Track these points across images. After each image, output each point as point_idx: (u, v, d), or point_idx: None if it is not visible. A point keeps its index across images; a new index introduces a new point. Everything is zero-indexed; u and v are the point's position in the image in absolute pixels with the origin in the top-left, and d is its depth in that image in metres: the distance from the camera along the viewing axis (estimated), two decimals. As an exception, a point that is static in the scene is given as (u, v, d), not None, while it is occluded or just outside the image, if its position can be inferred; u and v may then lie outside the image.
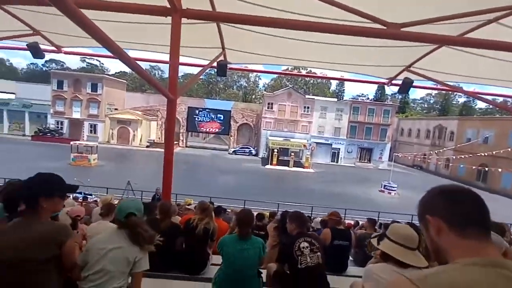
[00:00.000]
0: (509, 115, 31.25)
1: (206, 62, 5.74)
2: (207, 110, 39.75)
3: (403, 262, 1.46)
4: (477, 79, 6.49)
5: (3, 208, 1.67)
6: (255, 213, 6.15)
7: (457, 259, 0.68)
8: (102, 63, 65.33)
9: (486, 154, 27.28)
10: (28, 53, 5.57)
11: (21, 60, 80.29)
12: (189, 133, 42.33)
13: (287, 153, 34.02)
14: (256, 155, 38.54)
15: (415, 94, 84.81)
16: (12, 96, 43.21)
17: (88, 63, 64.60)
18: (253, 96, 69.83)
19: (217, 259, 2.70)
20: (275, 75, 64.74)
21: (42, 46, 5.65)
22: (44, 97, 39.11)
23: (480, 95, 6.86)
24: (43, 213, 1.48)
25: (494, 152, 26.31)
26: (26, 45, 5.42)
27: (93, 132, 37.67)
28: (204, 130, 40.78)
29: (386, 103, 44.84)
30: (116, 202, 3.86)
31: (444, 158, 35.49)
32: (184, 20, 3.17)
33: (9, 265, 1.33)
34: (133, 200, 1.87)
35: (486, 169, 30.13)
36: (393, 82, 6.40)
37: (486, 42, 3.27)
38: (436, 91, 66.56)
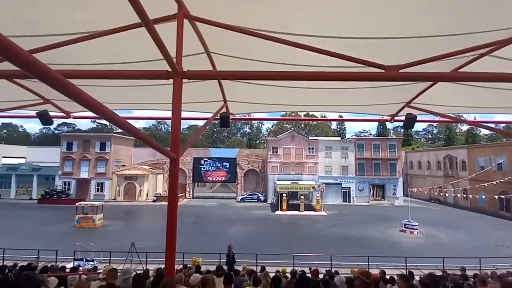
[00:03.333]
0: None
1: (209, 115, 5.87)
2: (212, 159, 40.05)
3: None
4: (476, 108, 6.51)
5: None
6: (271, 273, 5.55)
7: None
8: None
9: (503, 180, 26.11)
10: (42, 118, 5.78)
11: (34, 125, 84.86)
12: (196, 183, 41.98)
13: (297, 197, 32.96)
14: (265, 201, 37.42)
15: (416, 126, 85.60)
16: (22, 161, 44.52)
17: (98, 123, 67.88)
18: (257, 142, 70.98)
19: None
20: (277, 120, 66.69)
21: (52, 113, 5.89)
22: (54, 159, 40.20)
23: (482, 123, 6.76)
24: None
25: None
26: (36, 113, 5.63)
27: (100, 190, 37.59)
28: (211, 179, 40.51)
29: (390, 137, 44.93)
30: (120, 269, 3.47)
31: (461, 189, 33.96)
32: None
33: None
34: None
35: (508, 196, 28.46)
36: (396, 118, 6.39)
37: (476, 76, 3.32)
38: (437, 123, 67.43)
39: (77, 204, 23.25)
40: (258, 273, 6.64)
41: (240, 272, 6.67)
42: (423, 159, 45.26)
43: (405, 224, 21.75)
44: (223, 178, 40.14)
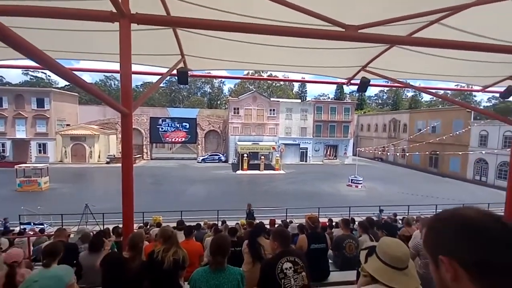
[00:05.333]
0: (450, 105, 34.94)
1: (166, 70, 5.42)
2: (171, 119, 38.34)
3: None
4: (422, 75, 7.11)
5: None
6: (231, 227, 5.89)
7: None
8: (48, 76, 59.64)
9: (433, 141, 30.32)
10: None
11: None
12: (154, 144, 40.39)
13: (257, 157, 34.11)
14: (226, 161, 38.05)
15: (369, 91, 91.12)
16: None
17: (32, 76, 58.58)
18: (218, 102, 69.19)
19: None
20: (239, 80, 64.98)
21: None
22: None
23: (427, 89, 7.49)
24: None
25: (444, 137, 29.45)
26: None
27: (42, 152, 34.05)
28: (170, 140, 39.23)
29: (345, 101, 47.47)
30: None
31: (400, 148, 38.54)
32: (136, 26, 2.89)
33: None
34: (54, 273, 1.23)
35: (438, 153, 33.36)
36: (352, 81, 6.69)
37: (428, 41, 3.55)
38: (388, 88, 72.32)
39: (16, 167, 20.96)
40: (219, 226, 7.03)
41: (202, 226, 6.97)
42: (372, 122, 49.46)
43: (351, 180, 24.38)
44: (183, 139, 39.20)
